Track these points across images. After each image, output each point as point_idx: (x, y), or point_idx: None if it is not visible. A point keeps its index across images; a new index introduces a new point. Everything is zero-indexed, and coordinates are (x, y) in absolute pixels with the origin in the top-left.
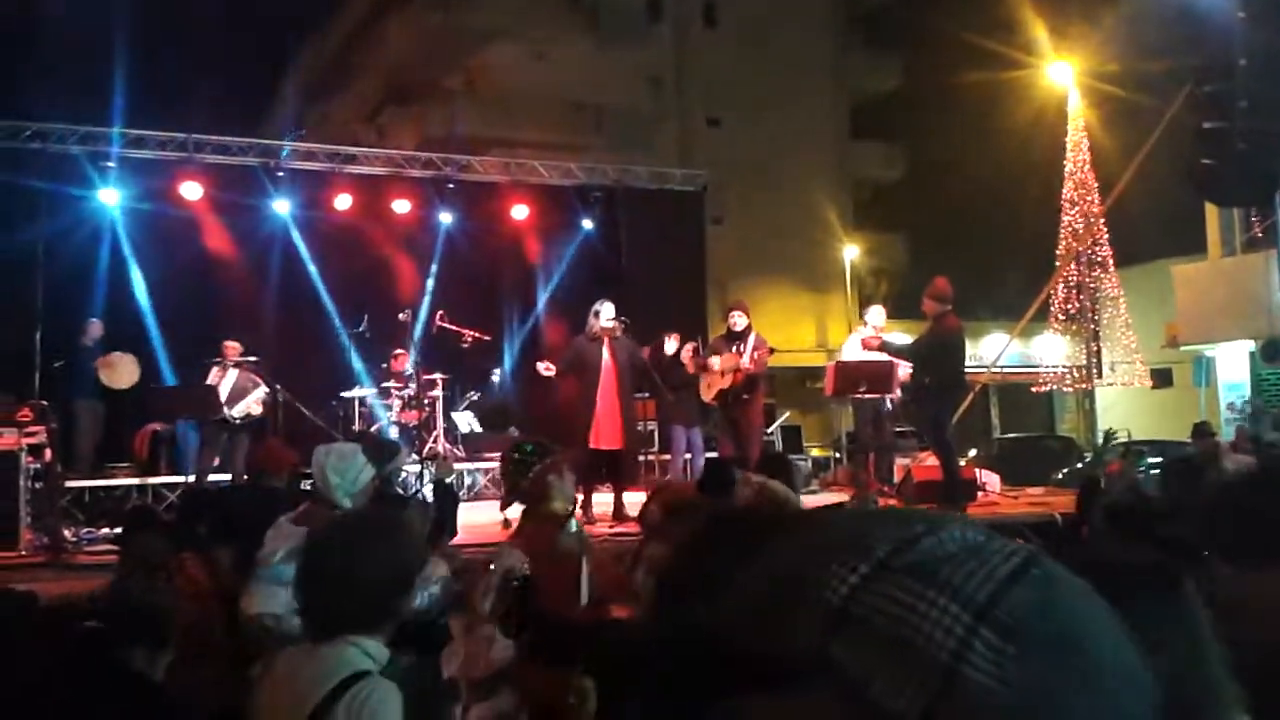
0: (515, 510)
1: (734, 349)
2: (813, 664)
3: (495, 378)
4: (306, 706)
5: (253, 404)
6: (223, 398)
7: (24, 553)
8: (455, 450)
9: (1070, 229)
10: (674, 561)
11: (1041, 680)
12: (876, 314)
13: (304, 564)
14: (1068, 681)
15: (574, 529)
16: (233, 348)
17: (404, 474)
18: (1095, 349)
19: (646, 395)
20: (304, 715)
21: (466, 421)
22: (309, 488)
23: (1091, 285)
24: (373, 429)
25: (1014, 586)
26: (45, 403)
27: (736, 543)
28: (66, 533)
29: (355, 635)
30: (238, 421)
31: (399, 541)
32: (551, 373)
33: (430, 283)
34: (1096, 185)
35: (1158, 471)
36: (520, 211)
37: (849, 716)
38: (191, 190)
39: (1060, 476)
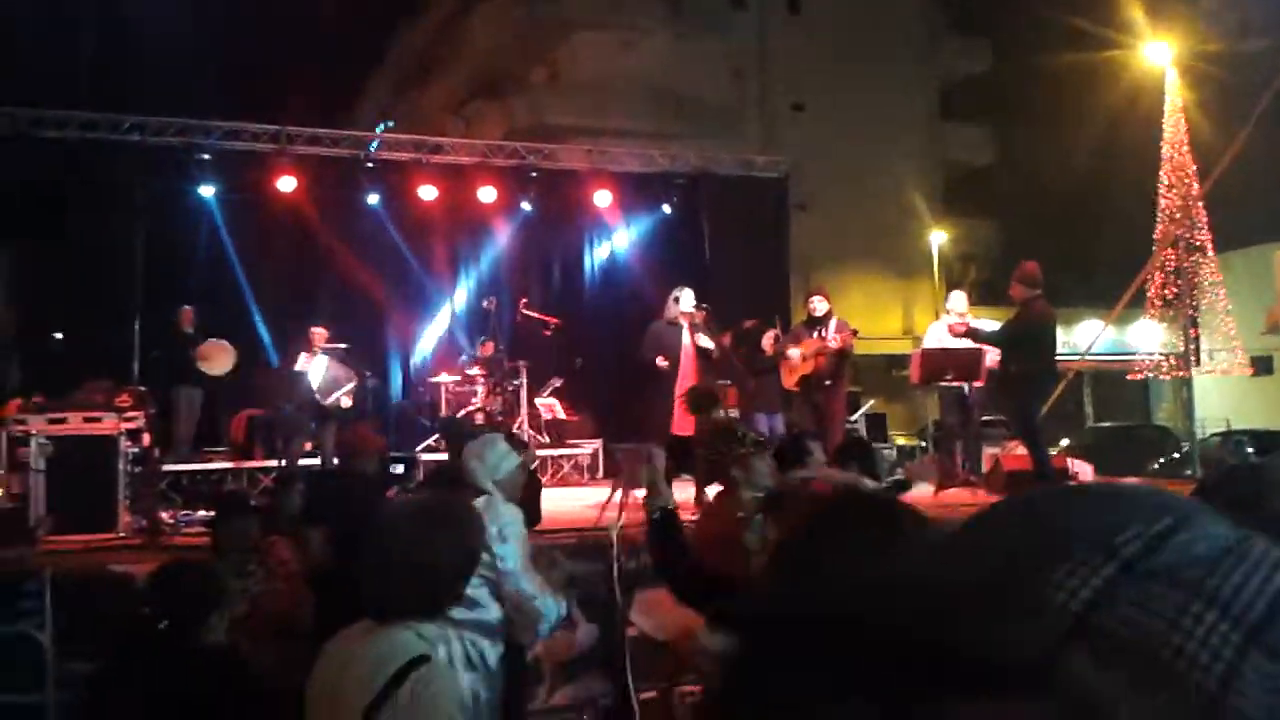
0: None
1: (815, 334)
2: (1034, 675)
3: (578, 365)
4: (368, 692)
5: (343, 397)
6: (314, 384)
7: (123, 535)
8: (539, 437)
9: (1168, 213)
10: (807, 542)
11: None
12: (957, 299)
13: (369, 550)
14: None
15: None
16: (319, 334)
17: None
18: (1193, 335)
19: (727, 382)
20: (365, 701)
21: (550, 408)
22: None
23: (1190, 270)
24: (459, 415)
25: None
26: (144, 389)
27: (877, 526)
28: (164, 515)
29: (415, 619)
30: (328, 408)
31: (463, 527)
32: (666, 365)
33: (514, 271)
34: (1195, 168)
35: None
36: (603, 199)
37: None
38: (285, 183)
39: (1156, 467)
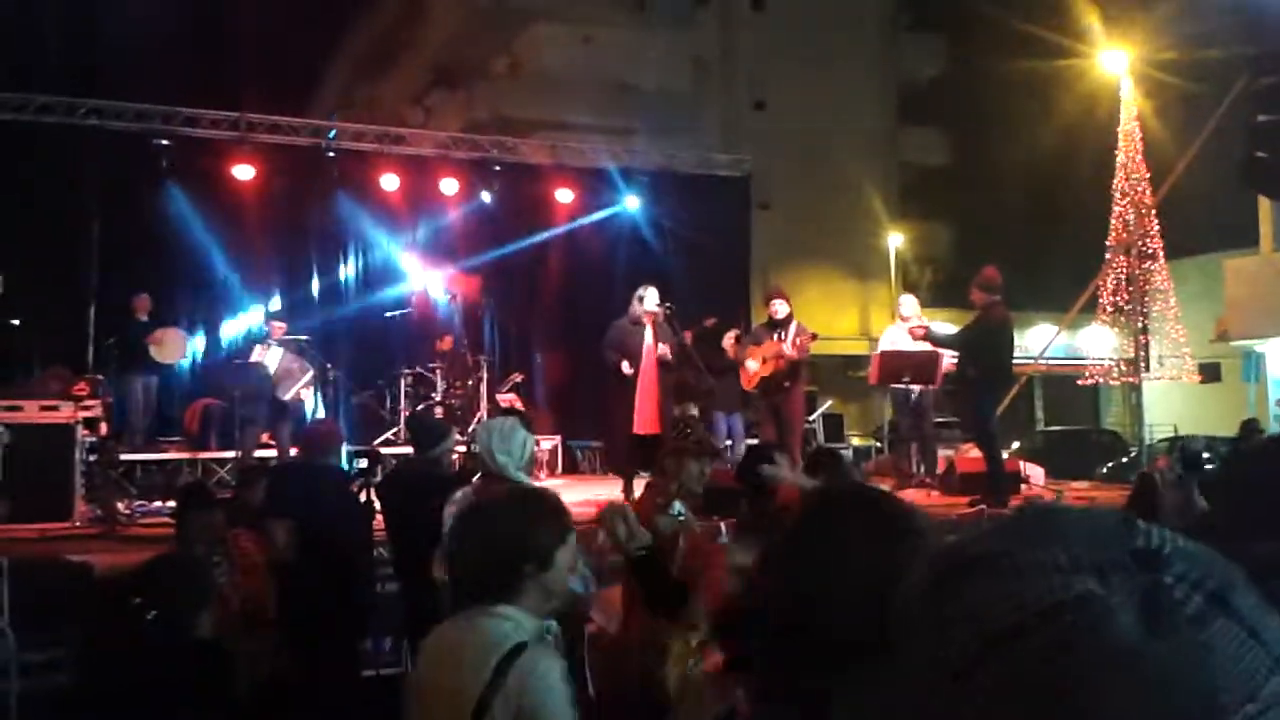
0: None
1: (775, 336)
2: None
3: (538, 360)
4: (476, 681)
5: (301, 389)
6: (271, 375)
7: (78, 524)
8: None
9: (1121, 220)
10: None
11: None
12: (908, 304)
13: (451, 539)
14: None
15: (677, 514)
16: (279, 326)
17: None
18: (1143, 342)
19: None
20: (475, 690)
21: (509, 403)
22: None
23: (1141, 277)
24: (418, 409)
25: None
26: (100, 377)
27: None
28: (120, 505)
29: (504, 605)
30: (285, 400)
31: (536, 514)
32: (631, 372)
33: (475, 265)
34: (1149, 176)
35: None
36: (564, 195)
37: None
38: (243, 170)
39: (1105, 471)
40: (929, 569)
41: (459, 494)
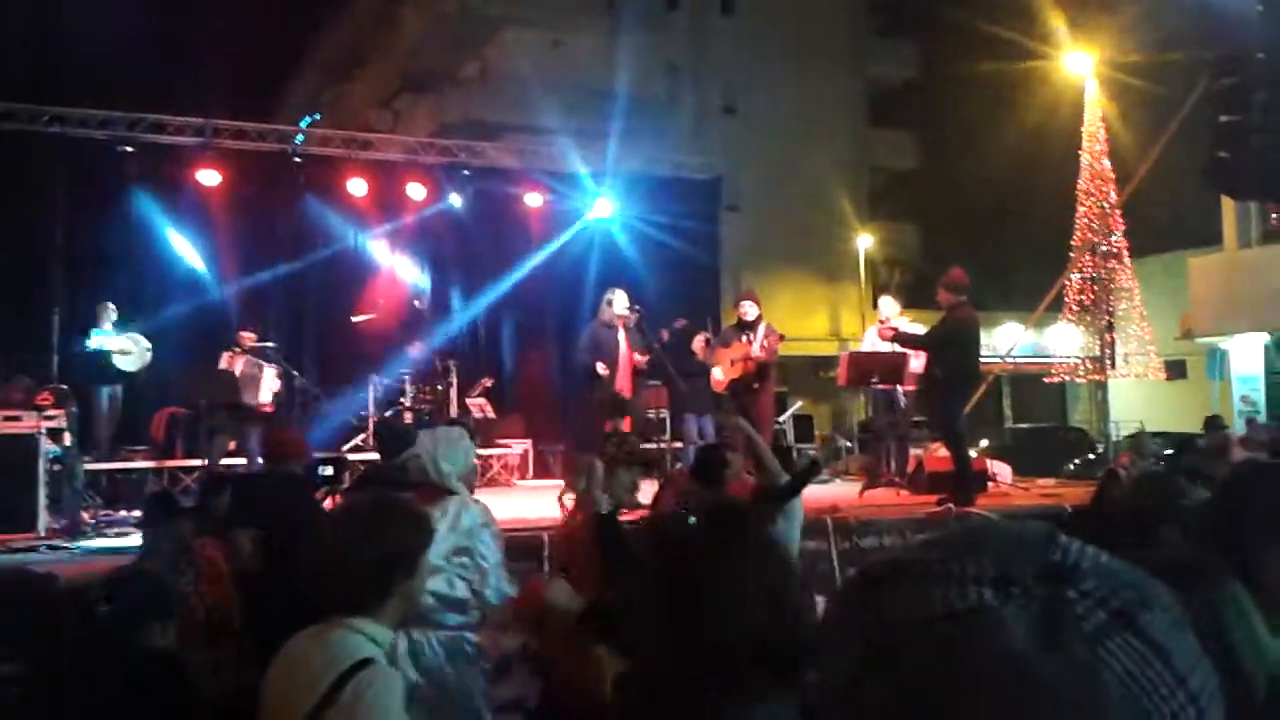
0: None
1: (744, 338)
2: None
3: (508, 364)
4: (313, 695)
5: (266, 390)
6: (238, 383)
7: (42, 534)
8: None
9: (1086, 220)
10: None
11: None
12: (887, 304)
13: (304, 551)
14: None
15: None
16: (248, 336)
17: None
18: (1109, 340)
19: (658, 384)
20: (311, 704)
21: (479, 407)
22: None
23: (1106, 277)
24: (387, 415)
25: None
26: (64, 387)
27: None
28: (85, 515)
29: (358, 619)
30: (251, 407)
31: (398, 523)
32: (607, 373)
33: (443, 269)
34: (1113, 176)
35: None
36: (534, 199)
37: None
38: (209, 176)
39: (1072, 468)
40: (853, 577)
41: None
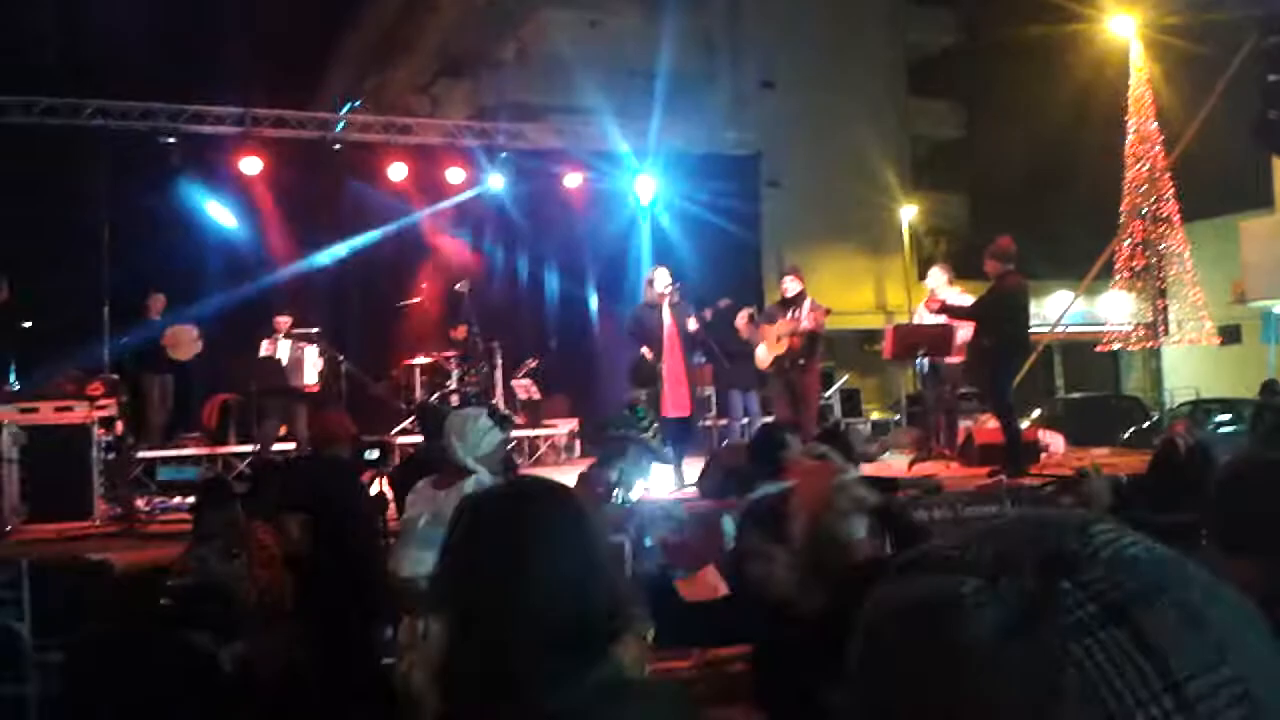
0: None
1: (789, 315)
2: None
3: (553, 345)
4: None
5: (311, 371)
6: (284, 368)
7: (98, 523)
8: (514, 418)
9: (1134, 184)
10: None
11: None
12: (935, 275)
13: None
14: None
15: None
16: (283, 321)
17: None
18: (1161, 306)
19: (704, 360)
20: None
21: (525, 389)
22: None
23: (1157, 241)
24: (433, 398)
25: None
26: (116, 376)
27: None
28: (139, 502)
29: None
30: (300, 390)
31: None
32: (650, 355)
33: (485, 252)
34: (1161, 139)
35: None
36: (574, 179)
37: None
38: (251, 165)
39: (1126, 437)
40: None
41: (420, 484)
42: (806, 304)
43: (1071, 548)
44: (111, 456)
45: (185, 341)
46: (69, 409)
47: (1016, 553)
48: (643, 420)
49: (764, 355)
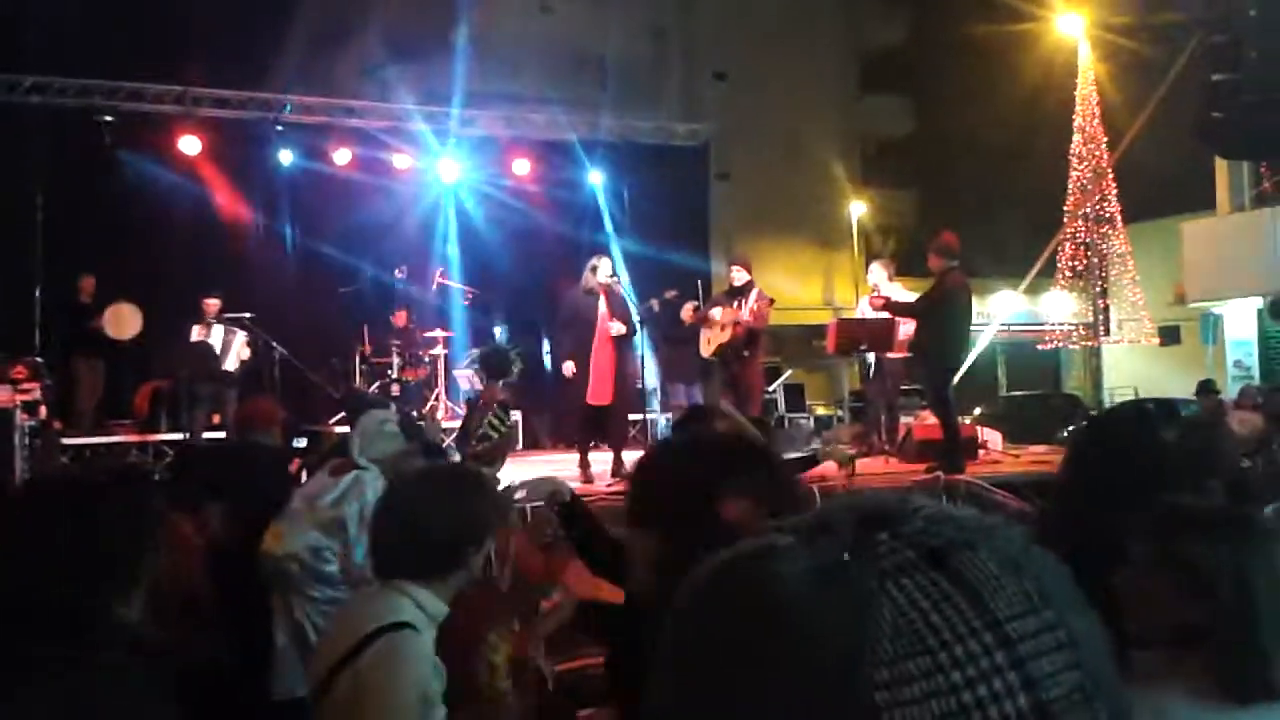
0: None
1: (735, 304)
2: None
3: (497, 334)
4: (344, 646)
5: (241, 349)
6: (216, 353)
7: None
8: (455, 408)
9: (1079, 184)
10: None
11: None
12: (876, 272)
13: (377, 508)
14: None
15: None
16: (212, 304)
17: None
18: (1102, 306)
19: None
20: (336, 657)
21: (468, 379)
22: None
23: (1099, 241)
24: (372, 388)
25: None
26: (39, 359)
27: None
28: None
29: (411, 583)
30: (232, 376)
31: (475, 493)
32: (574, 373)
33: (432, 239)
34: (1105, 139)
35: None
36: (522, 166)
37: None
38: (190, 144)
39: (1064, 435)
40: None
41: (320, 472)
42: (753, 294)
43: (891, 507)
44: (35, 442)
45: (125, 319)
46: None
47: (835, 514)
48: (502, 423)
49: (708, 345)
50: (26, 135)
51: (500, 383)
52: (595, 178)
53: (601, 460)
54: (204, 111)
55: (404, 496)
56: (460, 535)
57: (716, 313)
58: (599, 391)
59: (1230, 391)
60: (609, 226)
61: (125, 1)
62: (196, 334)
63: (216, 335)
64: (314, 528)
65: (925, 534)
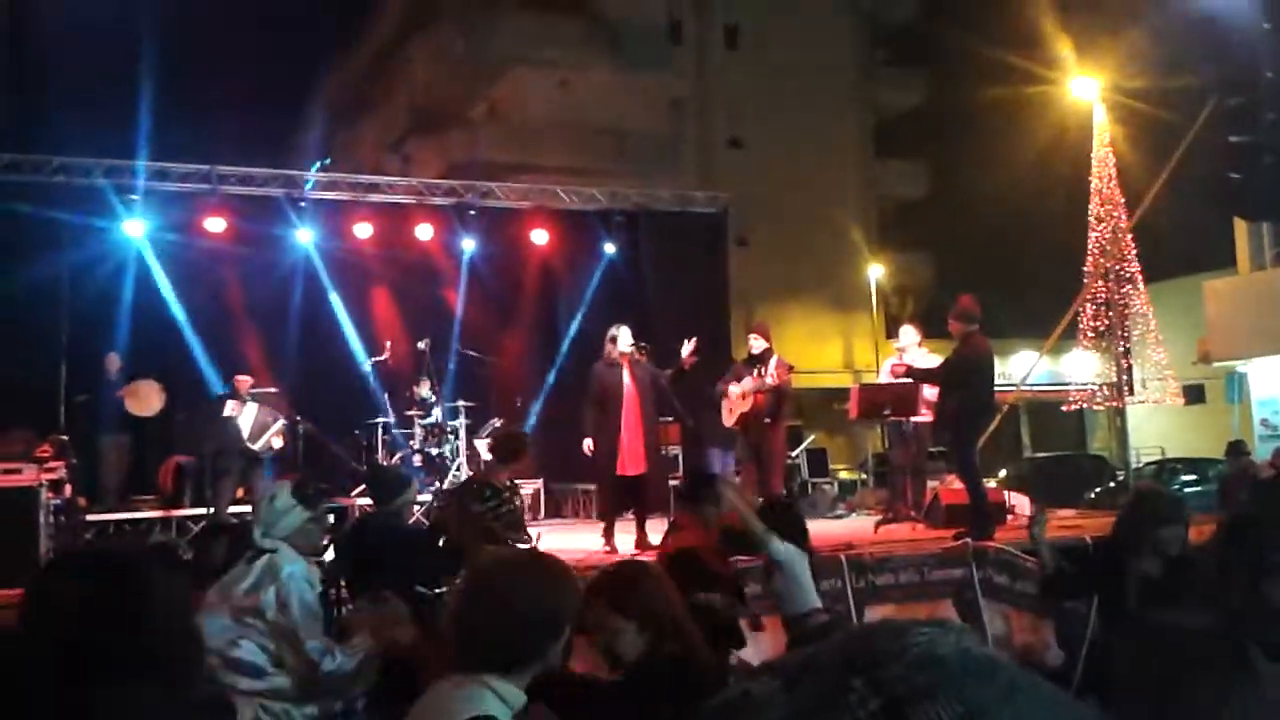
0: None
1: (755, 372)
2: None
3: (518, 404)
4: None
5: (274, 438)
6: (244, 430)
7: None
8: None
9: (1098, 245)
10: None
11: None
12: (907, 334)
13: (463, 600)
14: None
15: None
16: (244, 381)
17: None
18: (1126, 366)
19: (670, 420)
20: None
21: (489, 449)
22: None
23: (1120, 301)
24: (395, 459)
25: None
26: (65, 438)
27: None
28: None
29: (495, 676)
30: (258, 453)
31: (555, 587)
32: (592, 452)
33: (454, 310)
34: (1124, 200)
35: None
36: (542, 237)
37: None
38: (215, 224)
39: (1092, 496)
40: None
41: (238, 564)
42: (773, 361)
43: (881, 648)
44: (61, 519)
45: (147, 396)
46: (17, 471)
47: (823, 655)
48: (491, 500)
49: (730, 414)
50: (53, 215)
51: (509, 468)
52: (614, 247)
53: (623, 529)
54: (229, 189)
55: (491, 587)
56: (545, 628)
57: (735, 389)
58: (631, 462)
59: (1259, 452)
60: (629, 294)
61: (151, 82)
62: (230, 409)
63: (249, 412)
64: (227, 616)
65: (899, 680)
